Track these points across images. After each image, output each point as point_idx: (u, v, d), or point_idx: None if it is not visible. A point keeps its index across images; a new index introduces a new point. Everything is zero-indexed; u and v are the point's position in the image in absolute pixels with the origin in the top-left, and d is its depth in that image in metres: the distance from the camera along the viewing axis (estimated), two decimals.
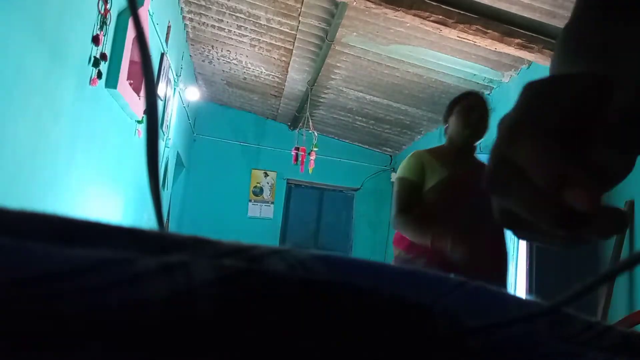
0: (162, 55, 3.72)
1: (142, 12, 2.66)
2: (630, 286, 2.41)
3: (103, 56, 2.34)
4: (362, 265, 0.19)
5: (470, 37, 3.17)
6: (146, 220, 4.14)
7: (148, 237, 0.17)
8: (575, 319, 0.20)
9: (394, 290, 0.17)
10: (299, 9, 3.88)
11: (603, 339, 0.20)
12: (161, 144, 4.17)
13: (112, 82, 2.48)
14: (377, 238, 7.34)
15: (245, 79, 5.93)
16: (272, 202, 7.24)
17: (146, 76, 0.25)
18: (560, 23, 3.06)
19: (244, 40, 4.79)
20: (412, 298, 0.17)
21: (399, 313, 0.16)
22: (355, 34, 3.98)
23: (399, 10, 3.04)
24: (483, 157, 4.07)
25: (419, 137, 6.17)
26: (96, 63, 2.28)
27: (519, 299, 0.21)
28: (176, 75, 4.62)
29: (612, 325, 0.20)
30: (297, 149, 5.35)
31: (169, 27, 3.86)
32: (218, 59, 5.53)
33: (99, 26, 2.27)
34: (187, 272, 0.14)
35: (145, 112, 0.26)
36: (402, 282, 0.19)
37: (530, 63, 3.60)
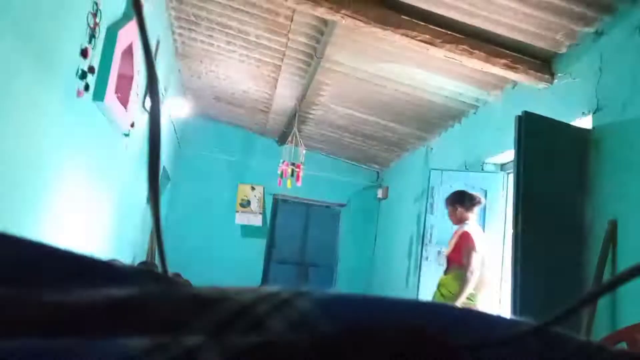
0: None
1: (133, 25, 2.66)
2: (612, 305, 2.43)
3: (91, 69, 2.33)
4: (361, 304, 0.19)
5: (457, 56, 3.22)
6: (131, 233, 4.09)
7: (151, 307, 0.17)
8: (567, 339, 0.20)
9: (393, 324, 0.17)
10: (289, 26, 3.91)
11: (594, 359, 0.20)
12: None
13: (99, 95, 2.47)
14: (362, 253, 7.32)
15: (233, 94, 5.94)
16: (261, 213, 7.24)
17: (151, 90, 0.25)
18: (545, 45, 3.12)
19: (233, 56, 4.81)
20: (407, 325, 0.18)
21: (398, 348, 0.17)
22: (344, 51, 4.02)
23: (387, 30, 3.08)
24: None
25: (406, 154, 6.20)
26: (83, 75, 2.27)
27: (509, 320, 0.21)
28: (164, 89, 4.61)
29: (603, 345, 0.21)
30: (285, 164, 5.34)
31: (157, 42, 3.87)
32: (207, 74, 5.53)
33: (87, 39, 2.26)
34: None
35: (149, 132, 0.26)
36: (400, 314, 0.19)
37: (515, 83, 3.66)
